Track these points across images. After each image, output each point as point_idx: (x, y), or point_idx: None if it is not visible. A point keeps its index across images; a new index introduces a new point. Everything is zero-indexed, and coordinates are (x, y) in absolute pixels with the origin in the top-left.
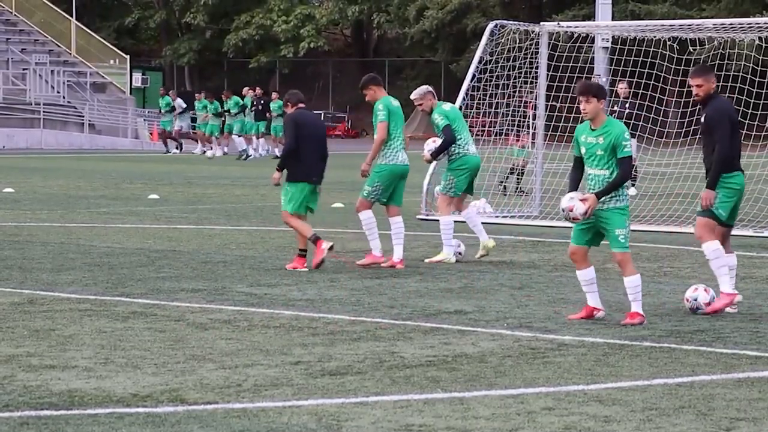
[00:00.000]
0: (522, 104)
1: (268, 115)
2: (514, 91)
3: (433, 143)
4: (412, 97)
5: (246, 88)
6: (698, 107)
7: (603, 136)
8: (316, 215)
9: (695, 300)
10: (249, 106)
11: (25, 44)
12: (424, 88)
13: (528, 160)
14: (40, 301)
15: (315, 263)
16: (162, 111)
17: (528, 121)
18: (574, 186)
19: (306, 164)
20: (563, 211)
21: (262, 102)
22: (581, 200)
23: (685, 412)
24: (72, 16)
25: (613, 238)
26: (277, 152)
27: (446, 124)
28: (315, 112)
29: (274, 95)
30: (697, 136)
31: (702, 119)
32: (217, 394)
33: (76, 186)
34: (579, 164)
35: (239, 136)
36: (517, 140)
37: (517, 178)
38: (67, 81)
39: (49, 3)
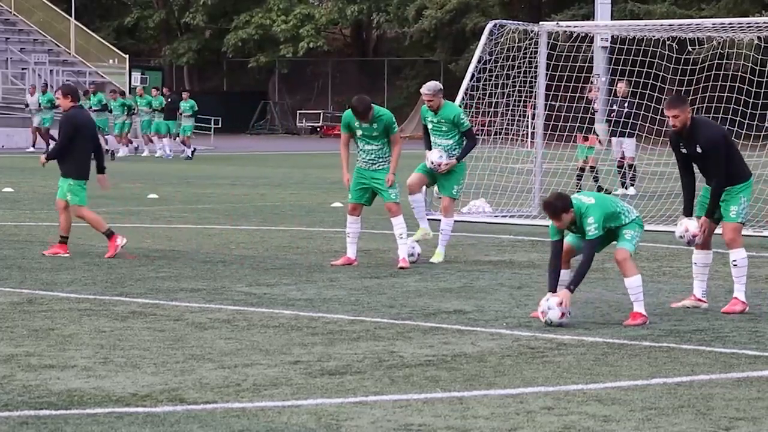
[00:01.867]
0: (522, 104)
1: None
2: (513, 91)
3: (438, 155)
4: (424, 91)
5: (154, 90)
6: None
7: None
8: (315, 215)
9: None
10: (159, 106)
11: (25, 44)
12: (438, 84)
13: (597, 158)
14: (39, 301)
15: (108, 256)
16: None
17: (527, 121)
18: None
19: (84, 162)
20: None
21: (170, 100)
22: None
23: (684, 412)
24: (71, 16)
25: (621, 235)
26: (189, 153)
27: (471, 127)
28: (314, 111)
29: (184, 95)
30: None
31: (697, 149)
32: (216, 394)
33: None
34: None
35: (113, 135)
36: (585, 140)
37: (595, 177)
38: (67, 81)
39: (48, 3)
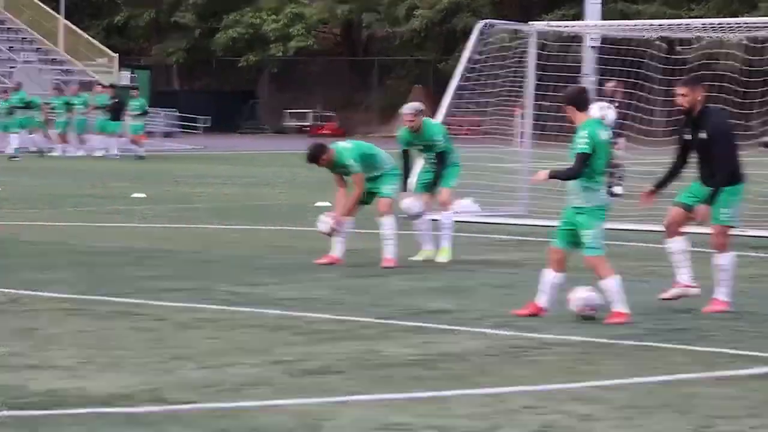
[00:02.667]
0: (511, 103)
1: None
2: (503, 91)
3: (413, 201)
4: (405, 111)
5: (99, 86)
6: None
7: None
8: (303, 214)
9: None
10: (103, 105)
11: (13, 42)
12: (419, 105)
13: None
14: (22, 301)
15: None
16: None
17: (516, 121)
18: None
19: None
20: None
21: (117, 100)
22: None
23: (665, 411)
24: (61, 14)
25: (582, 237)
26: (141, 152)
27: (446, 149)
28: (304, 111)
29: (134, 92)
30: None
31: (702, 134)
32: (198, 394)
33: (63, 184)
34: None
35: (16, 134)
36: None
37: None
38: (55, 80)
39: (37, 1)
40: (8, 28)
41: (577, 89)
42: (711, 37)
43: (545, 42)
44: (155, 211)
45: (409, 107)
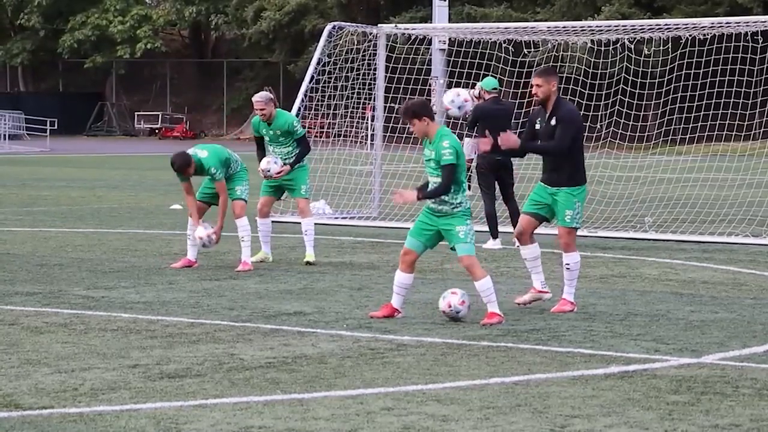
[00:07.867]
0: (361, 106)
1: None
2: (353, 93)
3: (267, 162)
4: (256, 99)
5: None
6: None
7: (434, 150)
8: (154, 217)
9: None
10: None
11: None
12: (269, 94)
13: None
14: None
15: None
16: None
17: (367, 123)
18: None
19: None
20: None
21: None
22: None
23: (521, 410)
24: None
25: (454, 235)
26: None
27: (305, 133)
28: (153, 113)
29: None
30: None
31: (552, 121)
32: (52, 399)
33: None
34: None
35: None
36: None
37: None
38: None
39: None
40: None
41: (422, 101)
42: (556, 40)
43: (394, 44)
44: (1, 214)
45: (259, 95)
